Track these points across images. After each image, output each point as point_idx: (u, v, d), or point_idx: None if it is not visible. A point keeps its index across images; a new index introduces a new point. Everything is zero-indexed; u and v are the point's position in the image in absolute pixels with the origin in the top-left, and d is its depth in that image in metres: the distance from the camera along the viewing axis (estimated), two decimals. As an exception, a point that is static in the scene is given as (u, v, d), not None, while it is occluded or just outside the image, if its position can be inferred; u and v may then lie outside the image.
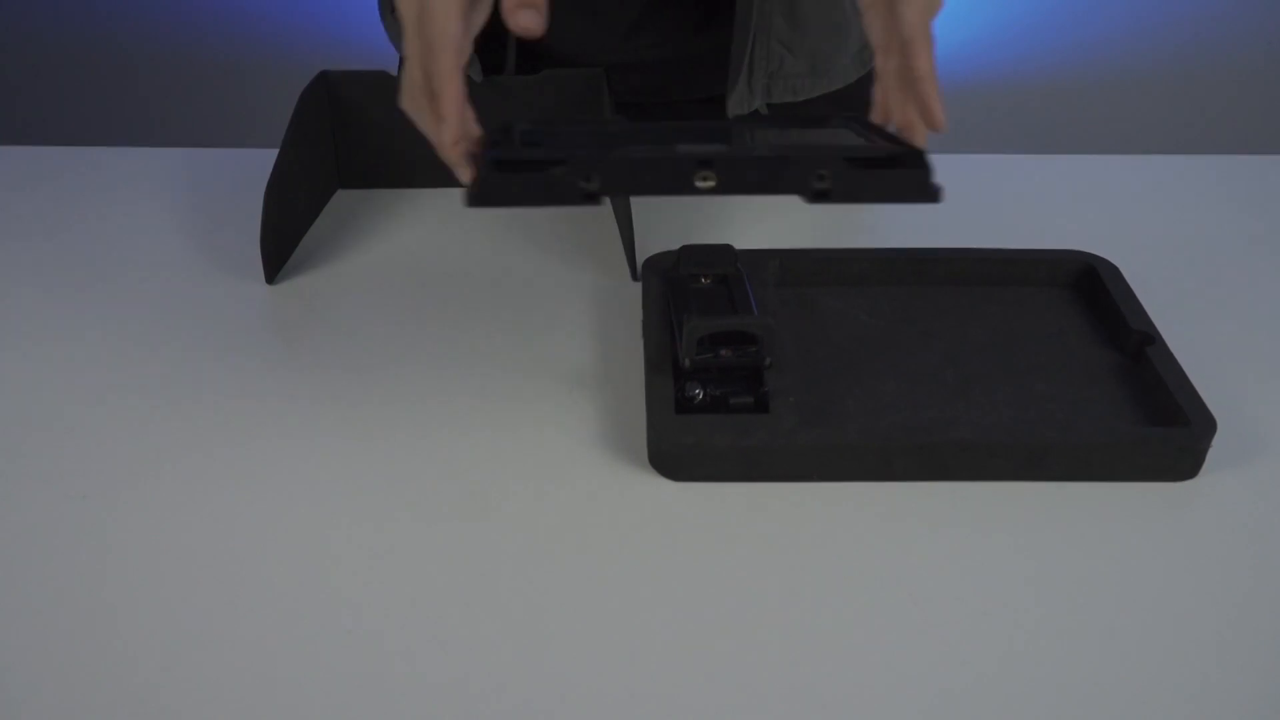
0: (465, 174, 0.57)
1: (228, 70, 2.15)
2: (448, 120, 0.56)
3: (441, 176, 0.94)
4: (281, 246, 0.83)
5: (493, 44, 0.85)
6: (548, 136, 0.61)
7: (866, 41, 0.97)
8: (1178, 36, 2.07)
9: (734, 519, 0.61)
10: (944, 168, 0.98)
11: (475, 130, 0.58)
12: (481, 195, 0.52)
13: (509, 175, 0.52)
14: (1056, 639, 0.54)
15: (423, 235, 0.88)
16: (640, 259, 0.81)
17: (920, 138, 0.60)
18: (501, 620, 0.55)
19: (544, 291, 0.80)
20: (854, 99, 0.97)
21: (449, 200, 0.92)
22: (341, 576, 0.58)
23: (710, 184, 0.52)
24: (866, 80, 0.98)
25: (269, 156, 0.82)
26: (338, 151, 0.93)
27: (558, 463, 0.65)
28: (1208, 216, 0.91)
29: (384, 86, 0.91)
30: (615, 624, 0.55)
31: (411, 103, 0.59)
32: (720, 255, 0.73)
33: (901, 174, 0.53)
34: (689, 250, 0.74)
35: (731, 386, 0.66)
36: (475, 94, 0.90)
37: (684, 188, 0.52)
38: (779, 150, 0.53)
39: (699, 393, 0.65)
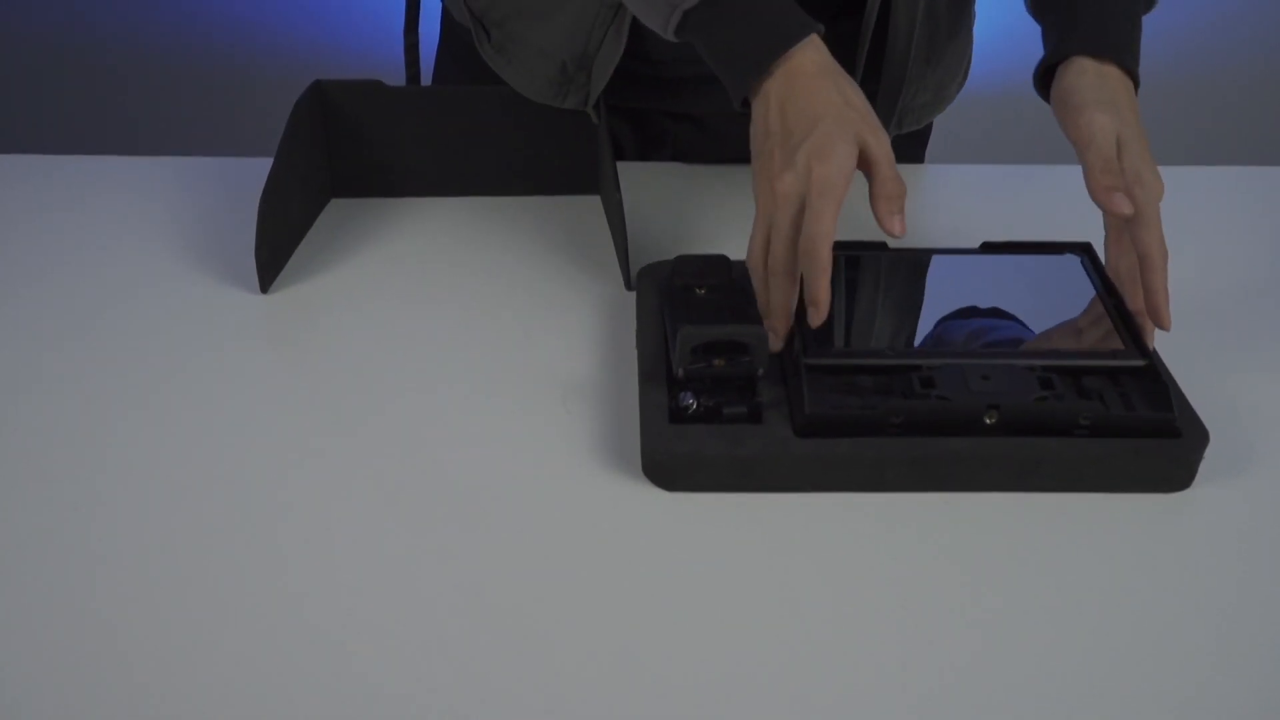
0: (778, 345, 0.68)
1: (222, 79, 2.15)
2: (820, 307, 0.65)
3: (433, 186, 0.94)
4: (276, 255, 0.83)
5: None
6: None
7: (967, 63, 1.00)
8: (1172, 48, 2.07)
9: (727, 529, 0.61)
10: (940, 178, 0.99)
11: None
12: (810, 429, 0.63)
13: (838, 412, 0.64)
14: (1051, 650, 0.54)
15: (416, 244, 0.88)
16: (634, 269, 0.81)
17: (1149, 324, 0.71)
18: (495, 629, 0.55)
19: (537, 300, 0.80)
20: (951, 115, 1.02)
21: (442, 209, 0.92)
22: (335, 585, 0.58)
23: (993, 421, 0.63)
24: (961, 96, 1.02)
25: (263, 165, 0.82)
26: (331, 160, 0.93)
27: (552, 472, 0.65)
28: (1201, 228, 0.92)
29: (377, 96, 0.91)
30: (609, 633, 0.55)
31: (768, 274, 0.68)
32: (714, 265, 0.73)
33: (1146, 437, 0.64)
34: (683, 260, 0.74)
35: (725, 396, 0.66)
36: (475, 100, 0.91)
37: (974, 428, 0.63)
38: (1053, 397, 0.64)
39: (692, 402, 0.65)
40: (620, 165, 0.87)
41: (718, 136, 0.98)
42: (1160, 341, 0.72)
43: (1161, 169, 0.71)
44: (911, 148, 1.03)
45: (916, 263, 0.79)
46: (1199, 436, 0.64)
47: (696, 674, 0.53)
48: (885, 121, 0.91)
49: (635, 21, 0.86)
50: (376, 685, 0.52)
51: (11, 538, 0.60)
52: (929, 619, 0.56)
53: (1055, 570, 0.59)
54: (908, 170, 0.99)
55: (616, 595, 0.57)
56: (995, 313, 0.73)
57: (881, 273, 0.77)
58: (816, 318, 0.66)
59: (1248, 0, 2.07)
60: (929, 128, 1.05)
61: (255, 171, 0.83)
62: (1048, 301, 0.74)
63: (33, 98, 2.22)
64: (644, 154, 1.00)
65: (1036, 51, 0.79)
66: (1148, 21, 0.80)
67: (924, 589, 0.58)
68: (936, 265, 0.78)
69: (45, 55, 2.18)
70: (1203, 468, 0.64)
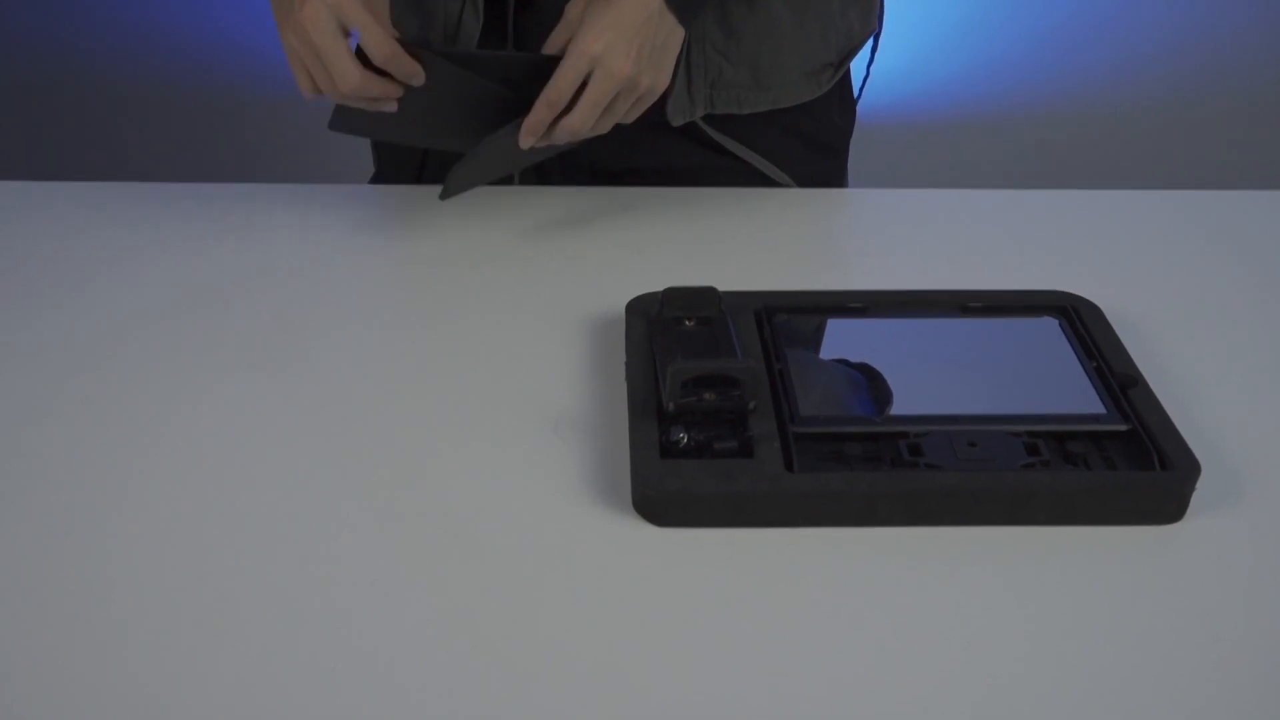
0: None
1: (213, 104, 2.15)
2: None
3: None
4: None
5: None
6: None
7: (831, 63, 0.97)
8: (1159, 73, 2.08)
9: (719, 565, 0.61)
10: (925, 203, 0.99)
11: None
12: (804, 464, 0.64)
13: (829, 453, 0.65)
14: (1044, 685, 0.54)
15: (405, 270, 0.88)
16: (624, 301, 0.80)
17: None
18: (483, 666, 0.55)
19: (527, 330, 0.80)
20: (807, 116, 0.97)
21: (433, 235, 0.92)
22: (319, 616, 0.57)
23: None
24: (825, 100, 0.98)
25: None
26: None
27: (541, 507, 0.64)
28: (1191, 253, 0.91)
29: None
30: (599, 670, 0.55)
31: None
32: (703, 298, 0.73)
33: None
34: (672, 293, 0.74)
35: (716, 431, 0.65)
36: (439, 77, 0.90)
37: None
38: (1039, 463, 0.65)
39: (683, 437, 0.65)
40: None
41: (628, 145, 0.97)
42: (1151, 370, 0.72)
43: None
44: (824, 164, 1.01)
45: (893, 326, 0.78)
46: (1190, 468, 0.64)
47: (687, 711, 0.53)
48: (672, 82, 0.87)
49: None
50: (359, 715, 0.52)
51: (7, 558, 0.60)
52: (922, 654, 0.56)
53: (1049, 604, 0.59)
54: (830, 195, 0.97)
55: (607, 632, 0.57)
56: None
57: (861, 336, 0.77)
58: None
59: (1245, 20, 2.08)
60: (844, 146, 1.03)
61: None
62: (1025, 365, 0.74)
63: (25, 124, 2.22)
64: (562, 164, 0.98)
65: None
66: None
67: (916, 624, 0.57)
68: (913, 329, 0.78)
69: (37, 81, 2.19)
70: (1195, 499, 0.64)
